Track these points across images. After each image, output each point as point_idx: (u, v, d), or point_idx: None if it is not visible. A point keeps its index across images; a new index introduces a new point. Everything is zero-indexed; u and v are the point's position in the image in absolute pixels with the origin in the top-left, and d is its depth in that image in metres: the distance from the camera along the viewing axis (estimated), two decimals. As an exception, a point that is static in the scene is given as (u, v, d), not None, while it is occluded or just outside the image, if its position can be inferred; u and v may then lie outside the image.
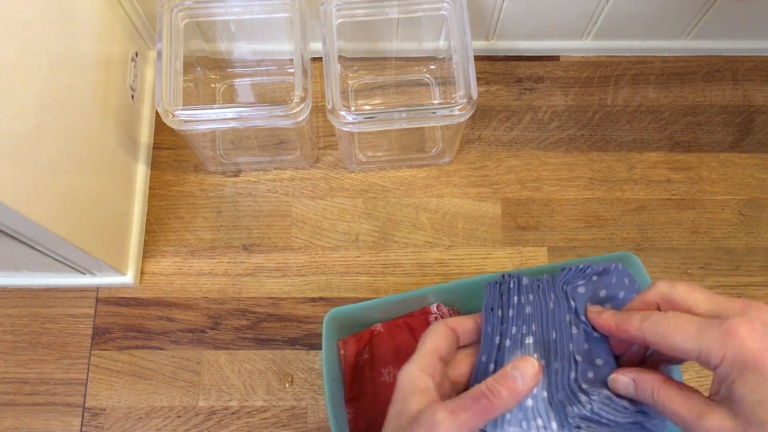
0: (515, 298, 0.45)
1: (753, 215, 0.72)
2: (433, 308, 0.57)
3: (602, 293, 0.44)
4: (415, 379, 0.38)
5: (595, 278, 0.44)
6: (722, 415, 0.34)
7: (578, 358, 0.42)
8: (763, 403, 0.32)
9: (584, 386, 0.41)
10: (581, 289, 0.44)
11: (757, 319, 0.34)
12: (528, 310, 0.44)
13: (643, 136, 0.75)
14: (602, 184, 0.73)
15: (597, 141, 0.74)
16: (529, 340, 0.43)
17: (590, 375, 0.42)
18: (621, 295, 0.44)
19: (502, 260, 0.69)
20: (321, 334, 0.66)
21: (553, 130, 0.75)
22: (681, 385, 0.37)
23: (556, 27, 0.74)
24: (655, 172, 0.73)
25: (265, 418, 0.64)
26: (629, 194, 0.72)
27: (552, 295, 0.45)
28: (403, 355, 0.52)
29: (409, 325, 0.58)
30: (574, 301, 0.44)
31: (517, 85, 0.77)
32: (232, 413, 0.64)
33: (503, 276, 0.46)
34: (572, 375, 0.41)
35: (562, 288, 0.44)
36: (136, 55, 0.71)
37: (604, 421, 0.40)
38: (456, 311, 0.58)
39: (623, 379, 0.40)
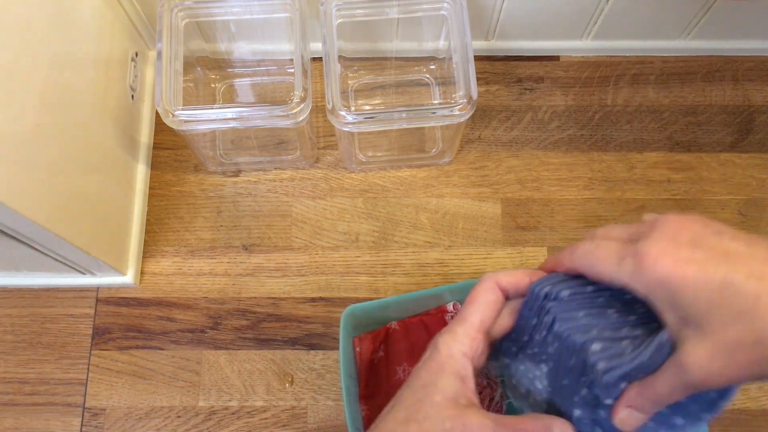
0: (544, 332, 0.41)
1: (753, 215, 0.72)
2: (450, 307, 0.57)
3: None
4: (456, 361, 0.36)
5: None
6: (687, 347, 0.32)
7: (577, 412, 0.39)
8: (692, 319, 0.31)
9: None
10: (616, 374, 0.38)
11: (664, 235, 0.32)
12: (550, 349, 0.41)
13: (643, 136, 0.75)
14: (602, 184, 0.73)
15: (597, 141, 0.74)
16: (544, 368, 0.42)
17: (585, 422, 0.39)
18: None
19: (502, 260, 0.69)
20: (321, 334, 0.66)
21: (553, 130, 0.75)
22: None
23: (556, 27, 0.74)
24: (655, 172, 0.73)
25: (265, 418, 0.64)
26: (629, 194, 0.72)
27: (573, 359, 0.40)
28: (418, 353, 0.51)
29: (425, 324, 0.58)
30: (600, 388, 0.39)
31: (517, 85, 0.77)
32: (232, 413, 0.64)
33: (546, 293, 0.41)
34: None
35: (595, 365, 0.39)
36: (136, 55, 0.71)
37: None
38: None
39: (623, 413, 0.37)
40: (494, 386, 0.53)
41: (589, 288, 0.38)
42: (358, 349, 0.58)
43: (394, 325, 0.58)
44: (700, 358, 0.32)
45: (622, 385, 0.37)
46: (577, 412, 0.39)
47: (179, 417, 0.64)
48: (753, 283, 0.30)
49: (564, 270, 0.39)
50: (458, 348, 0.37)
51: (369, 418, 0.57)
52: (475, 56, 0.67)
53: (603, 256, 0.35)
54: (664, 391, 0.34)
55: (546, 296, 0.40)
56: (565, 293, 0.39)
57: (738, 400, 0.65)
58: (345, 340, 0.55)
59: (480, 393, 0.52)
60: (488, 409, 0.51)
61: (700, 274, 0.31)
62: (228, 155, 0.73)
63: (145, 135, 0.73)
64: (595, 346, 0.37)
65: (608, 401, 0.38)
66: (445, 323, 0.57)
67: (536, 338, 0.41)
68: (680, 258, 0.31)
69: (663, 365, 0.35)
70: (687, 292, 0.31)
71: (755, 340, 0.30)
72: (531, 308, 0.41)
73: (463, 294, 0.57)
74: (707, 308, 0.31)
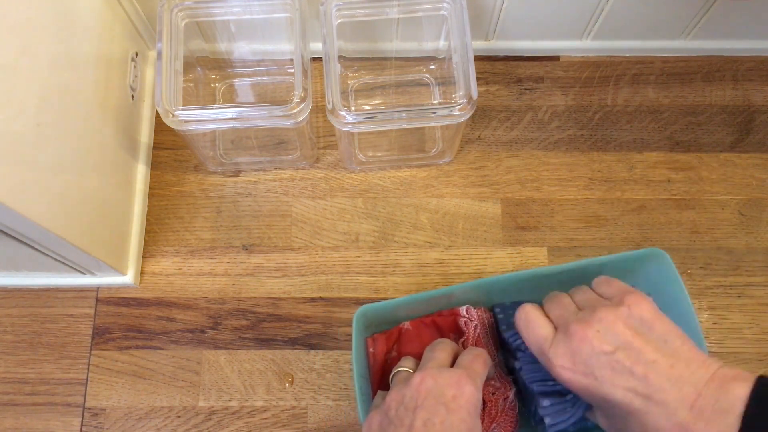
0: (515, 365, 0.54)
1: (753, 215, 0.72)
2: (463, 311, 0.57)
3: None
4: (479, 404, 0.45)
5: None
6: None
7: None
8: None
9: (541, 413, 0.49)
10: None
11: (570, 350, 0.44)
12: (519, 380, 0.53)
13: (643, 136, 0.75)
14: (602, 184, 0.73)
15: (597, 141, 0.74)
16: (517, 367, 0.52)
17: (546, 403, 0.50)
18: None
19: (502, 260, 0.69)
20: (321, 334, 0.66)
21: (553, 130, 0.75)
22: None
23: (556, 27, 0.74)
24: (655, 172, 0.73)
25: (265, 418, 0.64)
26: (629, 194, 0.72)
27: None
28: None
29: (437, 324, 0.58)
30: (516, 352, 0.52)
31: (517, 85, 0.77)
32: (232, 413, 0.64)
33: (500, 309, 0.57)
34: (531, 407, 0.51)
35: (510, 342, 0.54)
36: (136, 55, 0.71)
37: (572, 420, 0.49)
38: (485, 310, 0.58)
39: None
40: (508, 386, 0.53)
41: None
42: (371, 349, 0.58)
43: (406, 325, 0.58)
44: (604, 424, 0.45)
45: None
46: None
47: (179, 417, 0.64)
48: (627, 401, 0.41)
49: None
50: (479, 395, 0.46)
51: None
52: (475, 56, 0.67)
53: (531, 341, 0.47)
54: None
55: (516, 347, 0.53)
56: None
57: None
58: (358, 340, 0.55)
59: (493, 394, 0.52)
60: (503, 409, 0.52)
61: (584, 387, 0.43)
62: (228, 155, 0.73)
63: (145, 135, 0.73)
64: (546, 402, 0.49)
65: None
66: (457, 326, 0.57)
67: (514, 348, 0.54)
68: (572, 374, 0.43)
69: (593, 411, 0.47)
70: (577, 393, 0.44)
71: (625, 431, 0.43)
72: (508, 326, 0.55)
73: (473, 292, 0.57)
74: (596, 405, 0.45)
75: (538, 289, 0.54)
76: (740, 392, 0.38)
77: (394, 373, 0.50)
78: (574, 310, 0.46)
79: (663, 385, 0.39)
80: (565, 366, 0.43)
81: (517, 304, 0.54)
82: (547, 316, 0.47)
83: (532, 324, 0.47)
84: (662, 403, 0.39)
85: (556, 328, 0.46)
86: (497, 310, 0.57)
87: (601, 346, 0.42)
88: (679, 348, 0.41)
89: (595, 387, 0.42)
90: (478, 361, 0.47)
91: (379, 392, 0.50)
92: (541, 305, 0.49)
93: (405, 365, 0.50)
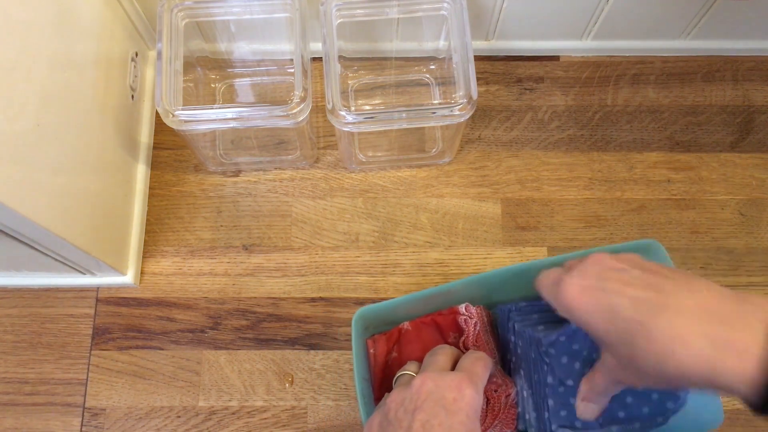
0: (509, 323, 0.55)
1: (753, 215, 0.72)
2: (462, 309, 0.57)
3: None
4: (478, 408, 0.44)
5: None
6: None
7: (551, 402, 0.49)
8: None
9: (553, 427, 0.49)
10: (540, 327, 0.52)
11: (578, 270, 0.41)
12: (518, 345, 0.54)
13: (643, 136, 0.75)
14: (602, 184, 0.73)
15: (597, 141, 0.74)
16: (522, 374, 0.53)
17: (563, 413, 0.49)
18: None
19: (503, 260, 0.69)
20: (321, 334, 0.66)
21: (553, 130, 0.75)
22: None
23: (556, 27, 0.74)
24: (655, 172, 0.73)
25: (265, 418, 0.64)
26: (629, 194, 0.72)
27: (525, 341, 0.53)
28: None
29: (437, 324, 0.58)
30: (538, 345, 0.51)
31: (517, 85, 0.77)
32: (232, 413, 0.64)
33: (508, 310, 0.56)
34: (545, 415, 0.50)
35: (526, 333, 0.52)
36: (136, 55, 0.71)
37: None
38: (483, 309, 0.58)
39: (581, 406, 0.48)
40: (509, 384, 0.53)
41: (543, 302, 0.46)
42: (372, 350, 0.58)
43: (406, 325, 0.58)
44: (611, 364, 0.41)
45: (576, 365, 0.48)
46: (550, 402, 0.49)
47: (179, 417, 0.64)
48: (633, 310, 0.36)
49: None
50: (480, 398, 0.46)
51: None
52: (475, 56, 0.67)
53: (544, 283, 0.44)
54: (602, 384, 0.44)
55: (509, 310, 0.55)
56: (522, 304, 0.55)
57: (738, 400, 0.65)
58: (357, 342, 0.55)
59: (495, 391, 0.52)
60: (505, 405, 0.52)
61: (592, 301, 0.38)
62: (228, 155, 0.73)
63: (145, 135, 0.73)
64: (543, 332, 0.49)
65: (569, 382, 0.48)
66: (457, 324, 0.57)
67: (511, 349, 0.54)
68: (581, 288, 0.39)
69: (597, 364, 0.44)
70: (583, 317, 0.39)
71: (630, 359, 0.37)
72: (504, 327, 0.56)
73: (471, 288, 0.57)
74: (602, 329, 0.38)
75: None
76: (766, 304, 0.33)
77: (398, 377, 0.51)
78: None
79: (680, 293, 0.35)
80: (573, 282, 0.40)
81: (517, 306, 0.55)
82: None
83: (551, 272, 0.44)
84: (678, 309, 0.34)
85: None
86: (498, 308, 0.58)
87: (615, 264, 0.40)
88: (695, 278, 0.37)
89: (599, 298, 0.38)
90: (479, 365, 0.47)
91: (386, 394, 0.50)
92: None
93: (409, 369, 0.50)
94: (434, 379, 0.44)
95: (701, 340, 0.32)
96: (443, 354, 0.49)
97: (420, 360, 0.55)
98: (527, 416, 0.52)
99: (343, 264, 0.69)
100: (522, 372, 0.53)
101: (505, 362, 0.57)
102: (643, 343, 0.35)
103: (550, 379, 0.49)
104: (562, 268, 0.45)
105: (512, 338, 0.54)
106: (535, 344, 0.50)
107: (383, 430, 0.44)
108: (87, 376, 0.66)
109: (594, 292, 0.38)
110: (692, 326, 0.33)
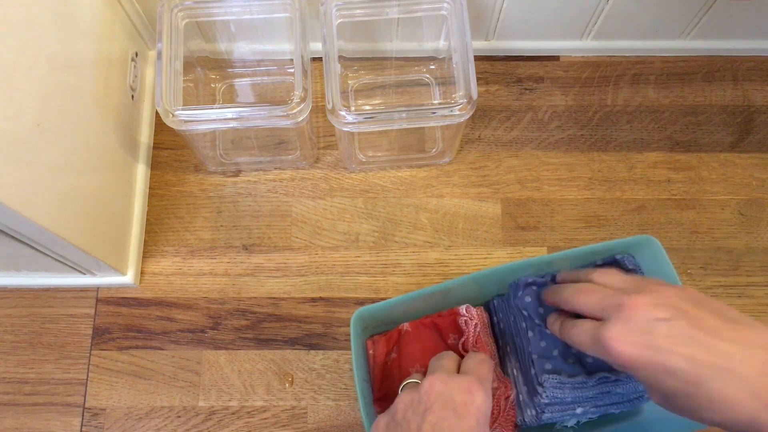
0: (494, 317, 0.58)
1: (753, 215, 0.72)
2: (462, 310, 0.57)
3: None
4: (488, 412, 0.44)
5: (535, 288, 0.54)
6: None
7: (534, 357, 0.52)
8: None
9: (541, 378, 0.50)
10: (528, 299, 0.54)
11: (621, 319, 0.40)
12: (501, 326, 0.57)
13: (643, 136, 0.75)
14: (602, 184, 0.73)
15: (597, 141, 0.74)
16: (509, 349, 0.56)
17: (548, 366, 0.51)
18: None
19: (503, 260, 0.69)
20: (321, 334, 0.66)
21: (553, 130, 0.75)
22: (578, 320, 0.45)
23: (556, 27, 0.74)
24: (655, 172, 0.73)
25: (265, 418, 0.64)
26: (629, 194, 0.72)
27: (510, 311, 0.56)
28: (429, 354, 0.52)
29: (437, 325, 0.58)
30: (525, 310, 0.54)
31: (517, 85, 0.77)
32: (232, 413, 0.64)
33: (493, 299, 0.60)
34: (532, 371, 0.52)
35: (515, 304, 0.55)
36: (136, 55, 0.71)
37: (569, 400, 0.50)
38: (483, 310, 0.58)
39: (549, 320, 0.50)
40: (508, 385, 0.53)
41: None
42: (371, 351, 0.58)
43: (406, 326, 0.58)
44: (649, 391, 0.42)
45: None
46: (534, 357, 0.52)
47: (179, 417, 0.64)
48: (690, 373, 0.37)
49: (555, 304, 0.50)
50: (490, 402, 0.46)
51: None
52: (475, 56, 0.67)
53: (581, 339, 0.43)
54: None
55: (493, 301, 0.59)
56: (495, 301, 0.59)
57: None
58: (357, 343, 0.55)
59: (493, 395, 0.52)
60: (504, 408, 0.52)
61: (644, 359, 0.38)
62: (228, 155, 0.73)
63: (145, 135, 0.73)
64: (548, 365, 0.51)
65: (548, 331, 0.51)
66: (456, 326, 0.57)
67: (497, 333, 0.58)
68: (629, 345, 0.39)
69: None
70: (637, 373, 0.39)
71: (678, 407, 0.39)
72: (490, 313, 0.59)
73: (466, 287, 0.57)
74: (655, 383, 0.39)
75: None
76: None
77: (404, 385, 0.50)
78: (613, 291, 0.43)
79: (729, 350, 0.36)
80: (617, 338, 0.39)
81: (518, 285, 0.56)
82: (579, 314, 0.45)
83: (582, 326, 0.43)
84: (730, 370, 0.35)
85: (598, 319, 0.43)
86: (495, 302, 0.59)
87: (657, 314, 0.38)
88: (739, 317, 0.38)
89: (652, 357, 0.37)
90: (484, 366, 0.47)
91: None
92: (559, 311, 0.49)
93: (416, 378, 0.50)
94: (444, 380, 0.44)
95: (754, 402, 0.35)
96: (449, 358, 0.49)
97: (420, 362, 0.55)
98: (521, 397, 0.53)
99: (343, 264, 0.69)
100: (508, 348, 0.55)
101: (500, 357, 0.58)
102: (696, 401, 0.37)
103: (530, 334, 0.52)
104: (591, 321, 0.43)
105: (512, 318, 0.56)
106: (509, 300, 0.55)
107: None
108: (87, 376, 0.66)
109: (645, 350, 0.38)
110: (746, 389, 0.35)
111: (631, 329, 0.39)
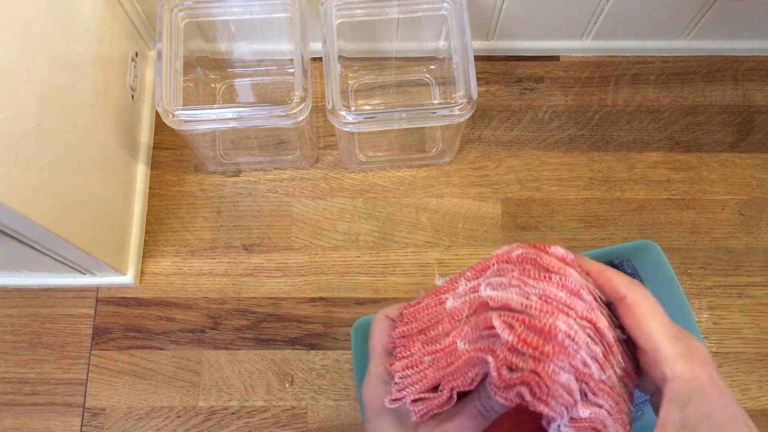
0: None
1: (753, 215, 0.72)
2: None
3: None
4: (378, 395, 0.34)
5: None
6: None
7: None
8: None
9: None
10: None
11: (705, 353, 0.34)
12: None
13: (643, 136, 0.75)
14: (602, 184, 0.73)
15: (597, 141, 0.74)
16: None
17: None
18: None
19: (502, 260, 0.69)
20: (321, 334, 0.66)
21: (553, 130, 0.75)
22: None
23: (556, 27, 0.74)
24: (655, 172, 0.73)
25: (265, 418, 0.64)
26: (629, 194, 0.72)
27: None
28: None
29: None
30: None
31: (517, 85, 0.77)
32: (232, 413, 0.64)
33: None
34: None
35: None
36: (136, 55, 0.71)
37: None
38: None
39: None
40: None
41: None
42: None
43: None
44: None
45: None
46: None
47: (179, 417, 0.64)
48: None
49: (613, 293, 0.36)
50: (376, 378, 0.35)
51: None
52: (475, 56, 0.67)
53: (660, 318, 0.34)
54: None
55: None
56: None
57: (738, 399, 0.65)
58: (357, 352, 0.55)
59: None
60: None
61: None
62: (228, 155, 0.73)
63: (145, 135, 0.73)
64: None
65: None
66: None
67: None
68: None
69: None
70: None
71: None
72: None
73: None
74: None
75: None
76: None
77: None
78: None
79: None
80: None
81: None
82: None
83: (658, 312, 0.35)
84: None
85: None
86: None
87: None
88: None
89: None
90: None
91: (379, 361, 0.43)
92: None
93: None
94: None
95: None
96: None
97: None
98: None
99: (343, 264, 0.69)
100: None
101: None
102: None
103: None
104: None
105: None
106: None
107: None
108: (87, 376, 0.66)
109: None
110: None
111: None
